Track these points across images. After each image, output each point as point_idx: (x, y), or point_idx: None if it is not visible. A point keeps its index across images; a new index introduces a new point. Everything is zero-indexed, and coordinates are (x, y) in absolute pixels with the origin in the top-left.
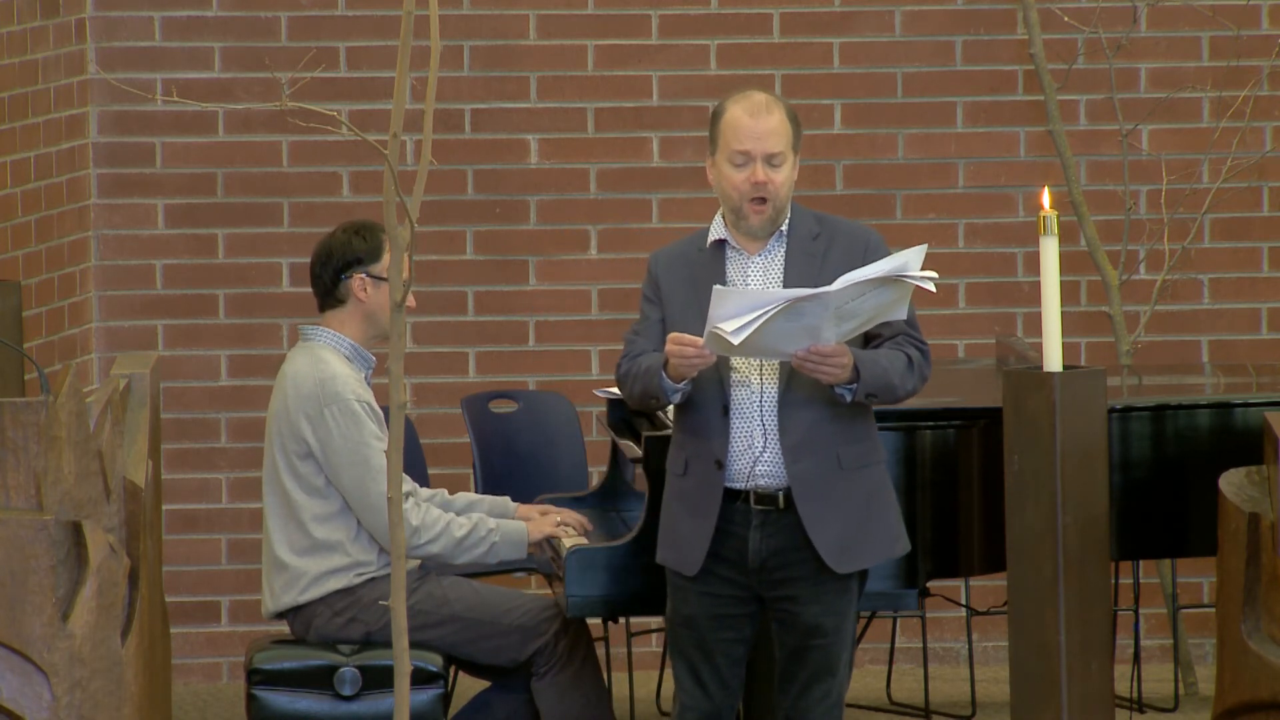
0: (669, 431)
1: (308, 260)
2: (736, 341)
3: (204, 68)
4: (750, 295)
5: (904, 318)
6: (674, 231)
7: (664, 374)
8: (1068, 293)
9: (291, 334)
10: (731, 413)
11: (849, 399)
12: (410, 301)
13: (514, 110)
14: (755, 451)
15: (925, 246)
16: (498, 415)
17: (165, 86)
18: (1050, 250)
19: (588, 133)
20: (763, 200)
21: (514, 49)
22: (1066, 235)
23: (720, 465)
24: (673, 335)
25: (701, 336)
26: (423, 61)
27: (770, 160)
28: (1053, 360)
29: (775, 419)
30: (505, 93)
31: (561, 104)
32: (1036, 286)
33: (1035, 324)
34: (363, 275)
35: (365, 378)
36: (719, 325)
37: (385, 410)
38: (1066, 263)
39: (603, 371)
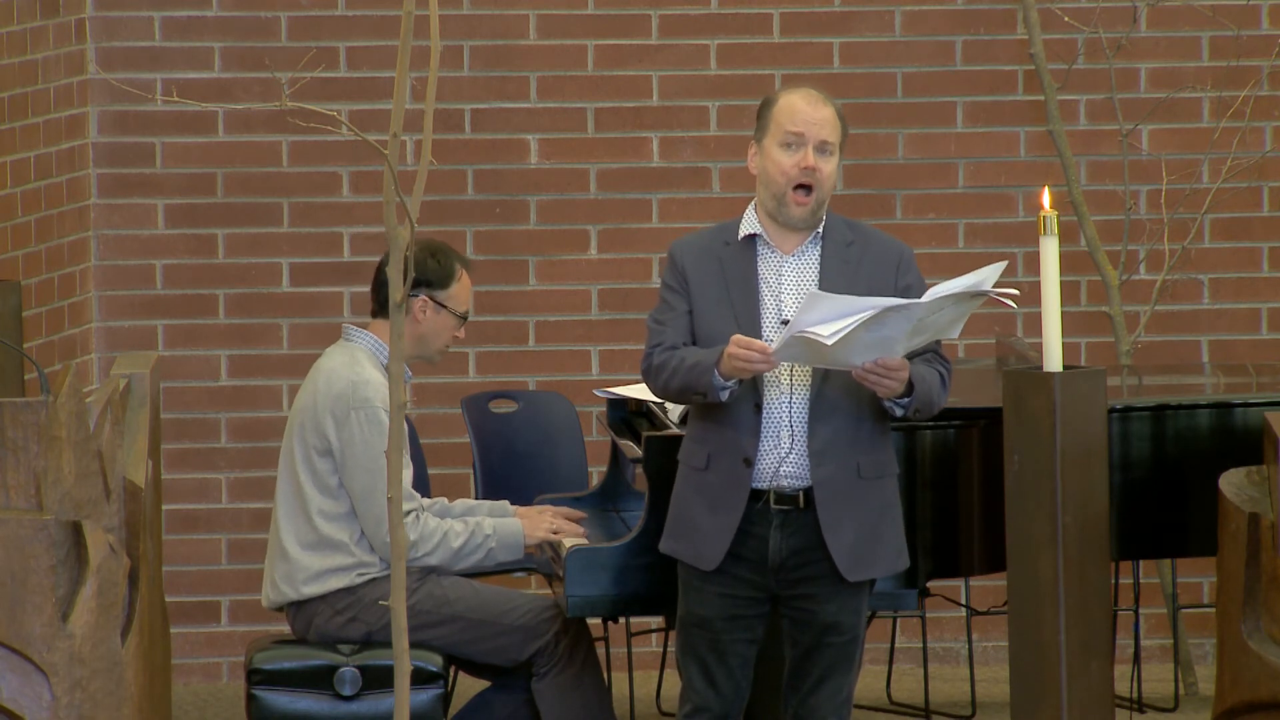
0: (669, 431)
1: (308, 260)
2: (831, 344)
3: (204, 68)
4: (843, 301)
5: (956, 335)
6: (674, 231)
7: (716, 371)
8: (1068, 293)
9: (292, 334)
10: (764, 411)
11: (899, 413)
12: (460, 333)
13: (514, 110)
14: (782, 452)
15: (1005, 264)
16: (498, 415)
17: (165, 86)
18: (1050, 250)
19: (588, 133)
20: (808, 190)
21: (514, 49)
22: (1066, 235)
23: (749, 463)
24: (737, 338)
25: (732, 331)
26: (423, 61)
27: (821, 148)
28: (1053, 360)
29: (804, 422)
30: (505, 93)
31: (561, 104)
32: (1036, 286)
33: (1035, 324)
34: (427, 297)
35: None
36: (810, 329)
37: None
38: (1066, 263)
39: (603, 371)
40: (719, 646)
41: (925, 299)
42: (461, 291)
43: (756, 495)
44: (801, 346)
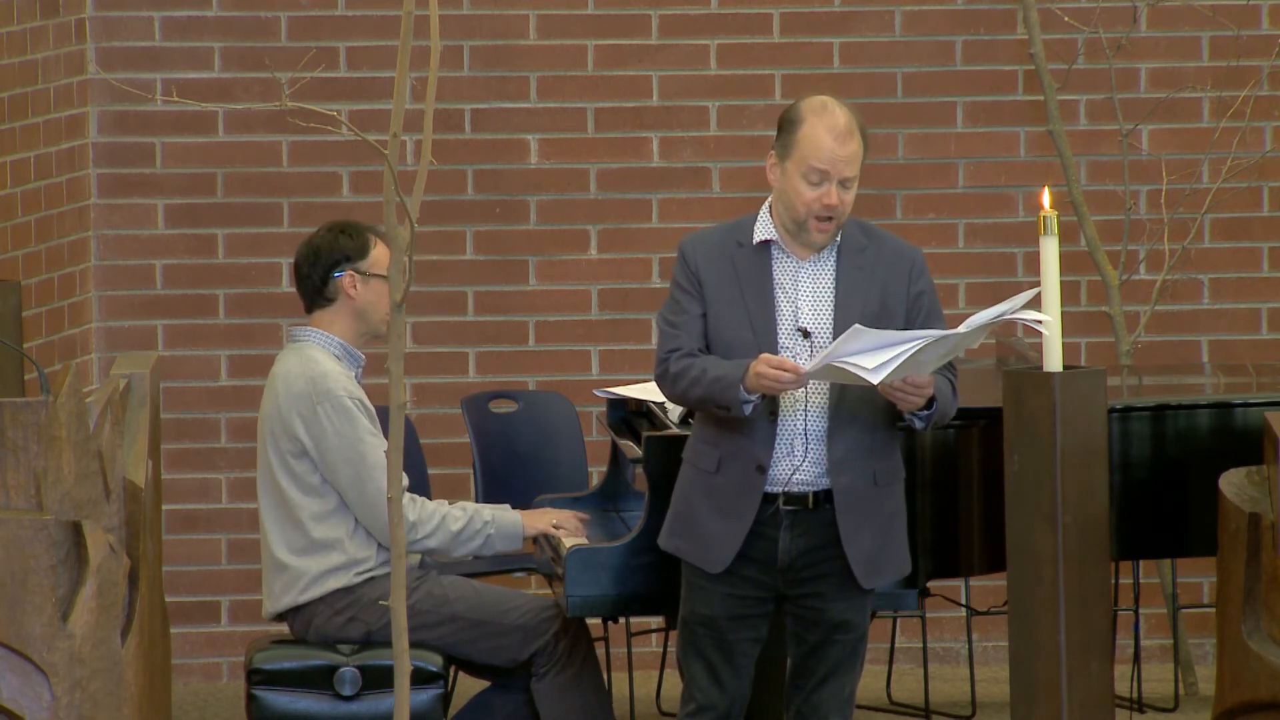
0: (669, 431)
1: (294, 264)
2: (876, 380)
3: (204, 68)
4: (884, 335)
5: (975, 347)
6: (674, 231)
7: (742, 387)
8: (1068, 293)
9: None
10: (779, 420)
11: (919, 425)
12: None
13: (514, 110)
14: (796, 461)
15: (1036, 290)
16: (498, 415)
17: (165, 86)
18: (1050, 250)
19: (588, 133)
20: (829, 219)
21: (514, 49)
22: (1066, 235)
23: (762, 470)
24: (768, 358)
25: (747, 334)
26: (423, 61)
27: (844, 183)
28: (1053, 360)
29: (819, 432)
30: (505, 93)
31: (561, 104)
32: (1037, 286)
33: None
34: (353, 272)
35: (355, 376)
36: (852, 361)
37: (384, 409)
38: (1066, 263)
39: (603, 371)
40: (725, 646)
41: (963, 328)
42: (382, 256)
43: (767, 499)
44: (835, 370)
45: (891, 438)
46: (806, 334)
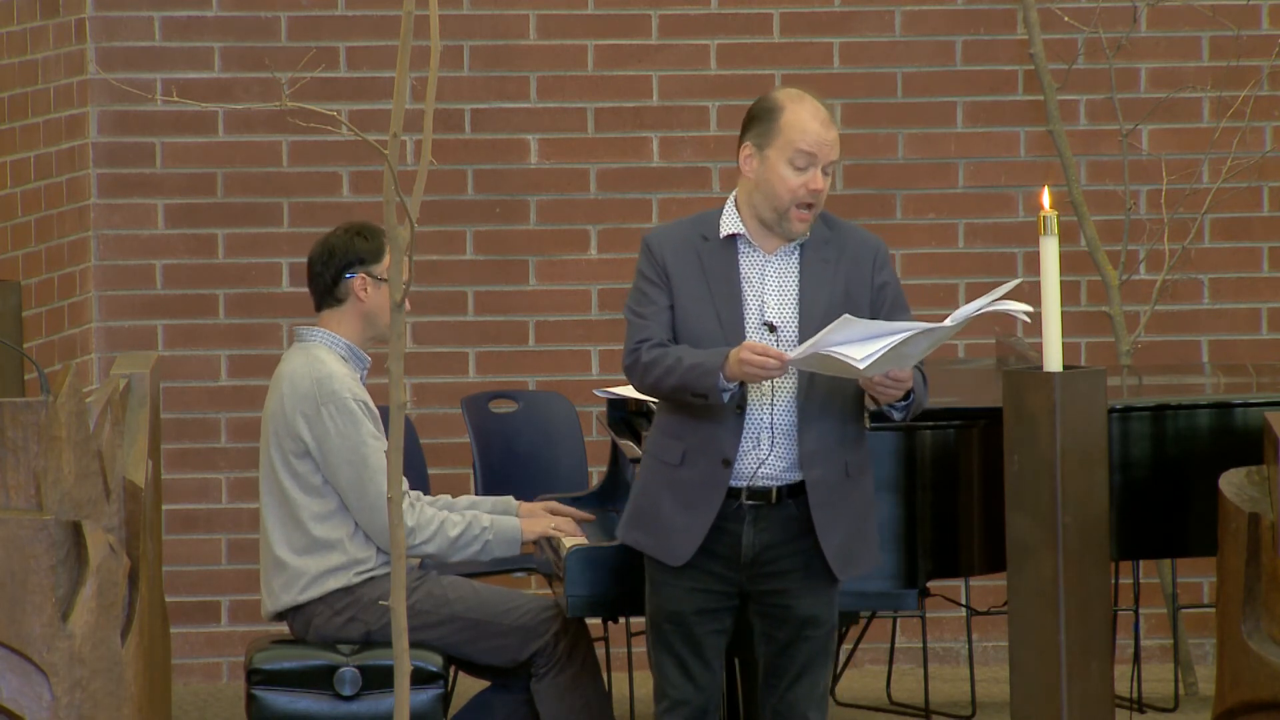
0: None
1: (308, 260)
2: (863, 368)
3: (204, 68)
4: (872, 325)
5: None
6: None
7: (722, 375)
8: (1068, 293)
9: (292, 334)
10: (746, 412)
11: (898, 417)
12: (406, 304)
13: (514, 110)
14: (761, 454)
15: (1019, 281)
16: (498, 415)
17: (165, 86)
18: (1050, 250)
19: (588, 133)
20: (810, 206)
21: (514, 49)
22: (1066, 235)
23: (728, 464)
24: (752, 344)
25: (714, 328)
26: (423, 61)
27: (826, 169)
28: (1053, 360)
29: (786, 425)
30: (505, 93)
31: (561, 104)
32: (1036, 286)
33: (1035, 324)
34: (365, 275)
35: (361, 378)
36: (839, 350)
37: (384, 409)
38: (1066, 263)
39: (603, 371)
40: (693, 640)
41: (949, 322)
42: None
43: (731, 493)
44: (821, 359)
45: (860, 430)
46: (773, 328)
